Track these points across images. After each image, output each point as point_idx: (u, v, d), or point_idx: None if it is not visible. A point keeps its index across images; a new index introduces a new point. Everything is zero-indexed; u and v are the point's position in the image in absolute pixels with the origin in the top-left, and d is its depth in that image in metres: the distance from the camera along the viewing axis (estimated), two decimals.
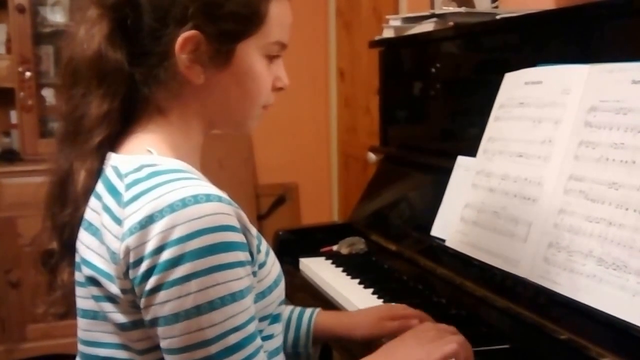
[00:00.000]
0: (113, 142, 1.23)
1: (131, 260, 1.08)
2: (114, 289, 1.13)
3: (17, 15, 4.08)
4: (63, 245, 1.29)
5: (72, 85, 1.24)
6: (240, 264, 1.10)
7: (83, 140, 1.22)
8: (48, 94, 4.35)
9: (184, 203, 1.06)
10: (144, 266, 1.07)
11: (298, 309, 1.64)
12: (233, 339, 1.09)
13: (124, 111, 1.23)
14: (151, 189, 1.10)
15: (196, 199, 1.07)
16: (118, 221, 1.12)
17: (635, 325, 1.26)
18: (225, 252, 1.08)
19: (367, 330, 1.56)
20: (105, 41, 1.20)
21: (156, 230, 1.06)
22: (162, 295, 1.07)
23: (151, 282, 1.07)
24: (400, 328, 1.51)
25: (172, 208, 1.06)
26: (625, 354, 1.26)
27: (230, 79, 1.24)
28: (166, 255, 1.05)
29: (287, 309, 1.64)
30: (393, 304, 1.65)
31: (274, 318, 1.34)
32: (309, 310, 1.63)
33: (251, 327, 1.12)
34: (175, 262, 1.05)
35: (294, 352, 1.61)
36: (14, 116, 4.32)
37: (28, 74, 4.13)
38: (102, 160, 1.22)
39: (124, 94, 1.22)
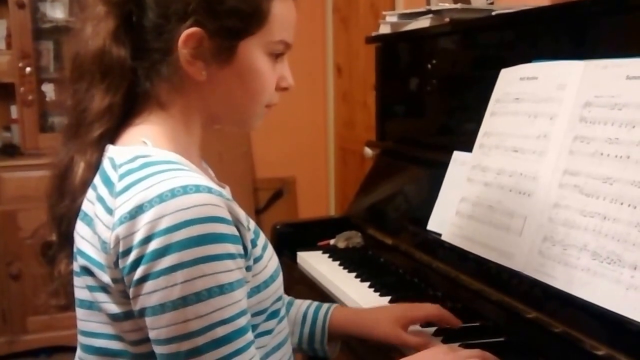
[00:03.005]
0: (113, 135, 1.24)
1: (121, 249, 1.09)
2: (106, 278, 1.14)
3: (17, 10, 4.10)
4: (61, 237, 1.30)
5: (77, 80, 1.25)
6: (230, 256, 1.10)
7: (84, 132, 1.23)
8: (48, 89, 4.36)
9: (172, 193, 1.07)
10: (132, 256, 1.07)
11: (315, 304, 1.63)
12: (221, 331, 1.08)
13: (126, 105, 1.24)
14: (142, 179, 1.11)
15: (185, 190, 1.08)
16: (109, 211, 1.12)
17: (629, 319, 1.26)
18: (213, 243, 1.08)
19: (382, 335, 1.54)
20: (110, 37, 1.21)
21: (145, 220, 1.06)
22: (149, 286, 1.07)
23: (139, 272, 1.07)
24: (416, 346, 1.49)
25: (161, 198, 1.07)
26: (619, 347, 1.27)
27: (232, 77, 1.24)
28: (153, 245, 1.05)
29: (304, 304, 1.63)
30: (414, 304, 1.63)
31: (272, 314, 1.33)
32: (325, 306, 1.62)
33: (241, 321, 1.12)
34: (162, 252, 1.05)
35: (310, 349, 1.60)
36: (14, 111, 4.35)
37: (28, 69, 4.14)
38: (101, 153, 1.22)
39: (126, 88, 1.23)
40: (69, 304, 1.30)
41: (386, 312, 1.59)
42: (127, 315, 1.15)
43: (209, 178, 1.23)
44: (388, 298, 1.82)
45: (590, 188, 1.43)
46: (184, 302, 1.06)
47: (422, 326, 1.60)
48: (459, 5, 2.28)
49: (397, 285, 1.94)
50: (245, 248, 1.16)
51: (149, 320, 1.10)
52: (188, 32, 1.18)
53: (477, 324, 1.62)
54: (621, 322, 1.28)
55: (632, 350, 1.25)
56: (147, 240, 1.06)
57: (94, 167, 1.22)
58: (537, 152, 1.60)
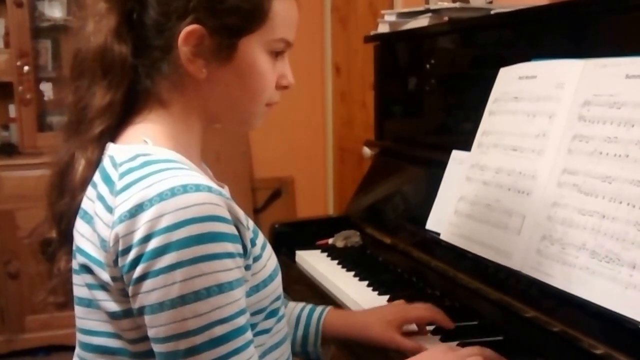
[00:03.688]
0: (114, 133, 1.24)
1: (120, 248, 1.09)
2: (105, 276, 1.14)
3: (15, 9, 4.10)
4: (61, 234, 1.30)
5: (78, 77, 1.26)
6: (229, 255, 1.10)
7: (85, 129, 1.23)
8: (46, 87, 4.36)
9: (172, 192, 1.07)
10: (132, 254, 1.07)
11: (309, 306, 1.63)
12: (219, 331, 1.08)
13: (127, 103, 1.24)
14: (143, 178, 1.11)
15: (185, 189, 1.08)
16: (109, 209, 1.12)
17: (627, 317, 1.26)
18: (213, 242, 1.07)
19: (375, 337, 1.53)
20: (112, 34, 1.21)
21: (144, 219, 1.06)
22: (148, 284, 1.07)
23: (138, 271, 1.07)
24: (410, 347, 1.49)
25: (161, 197, 1.07)
26: (617, 346, 1.27)
27: (232, 75, 1.24)
28: (153, 244, 1.05)
29: (297, 306, 1.63)
30: (406, 305, 1.63)
31: (271, 313, 1.33)
32: (319, 309, 1.62)
33: (240, 320, 1.11)
34: (161, 251, 1.05)
35: (303, 351, 1.59)
36: (12, 110, 4.34)
37: (26, 68, 4.14)
38: (102, 150, 1.22)
39: (127, 85, 1.23)
40: (68, 302, 1.30)
41: (379, 314, 1.59)
42: (126, 314, 1.15)
43: (208, 178, 1.23)
44: (386, 297, 1.82)
45: (588, 187, 1.43)
46: (182, 300, 1.06)
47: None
48: (457, 4, 2.28)
49: (396, 284, 1.94)
50: (244, 247, 1.16)
51: (147, 319, 1.10)
52: (188, 29, 1.18)
53: (475, 322, 1.62)
54: (619, 321, 1.28)
55: (631, 349, 1.24)
56: (146, 238, 1.06)
57: (94, 164, 1.22)
58: (535, 151, 1.60)
